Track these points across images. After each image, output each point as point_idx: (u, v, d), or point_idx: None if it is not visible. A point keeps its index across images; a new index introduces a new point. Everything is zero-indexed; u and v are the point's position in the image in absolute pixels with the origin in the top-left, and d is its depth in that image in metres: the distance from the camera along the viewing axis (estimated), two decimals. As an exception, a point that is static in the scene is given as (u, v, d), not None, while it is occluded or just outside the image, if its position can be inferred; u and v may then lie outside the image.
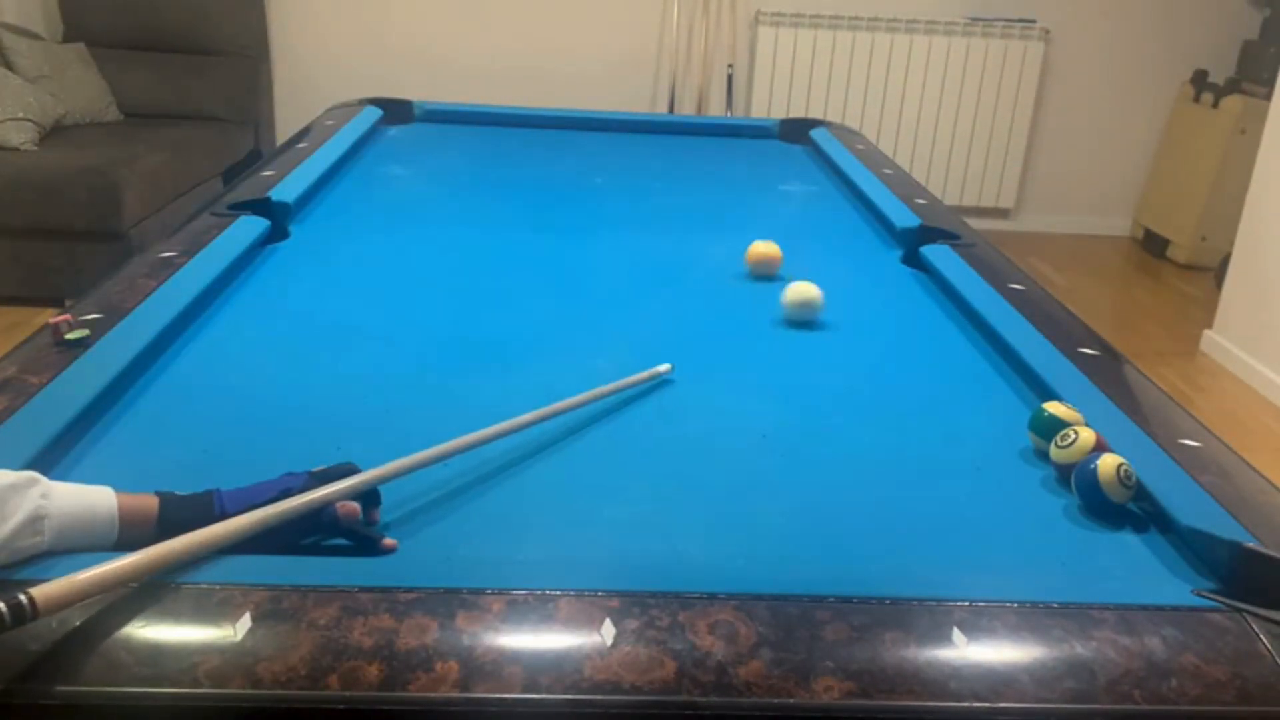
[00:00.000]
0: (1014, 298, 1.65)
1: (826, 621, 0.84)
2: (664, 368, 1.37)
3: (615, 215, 2.21)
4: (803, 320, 1.60)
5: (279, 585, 0.84)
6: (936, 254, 1.87)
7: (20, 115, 3.66)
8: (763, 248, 1.80)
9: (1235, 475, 1.12)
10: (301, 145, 2.43)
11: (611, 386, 1.29)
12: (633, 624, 0.82)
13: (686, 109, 4.84)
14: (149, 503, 0.92)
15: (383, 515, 1.01)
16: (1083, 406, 1.26)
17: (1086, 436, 1.14)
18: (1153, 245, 5.03)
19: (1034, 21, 4.83)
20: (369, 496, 0.99)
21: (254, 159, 4.45)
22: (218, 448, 1.14)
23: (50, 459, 1.05)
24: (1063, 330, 1.53)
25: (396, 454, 1.03)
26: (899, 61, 4.83)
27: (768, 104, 4.84)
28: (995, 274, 1.77)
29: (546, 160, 2.66)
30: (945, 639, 0.83)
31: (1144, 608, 0.88)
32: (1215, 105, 4.67)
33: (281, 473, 0.98)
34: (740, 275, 1.83)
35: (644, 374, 1.34)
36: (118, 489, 0.92)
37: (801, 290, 1.59)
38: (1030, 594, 0.89)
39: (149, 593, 0.82)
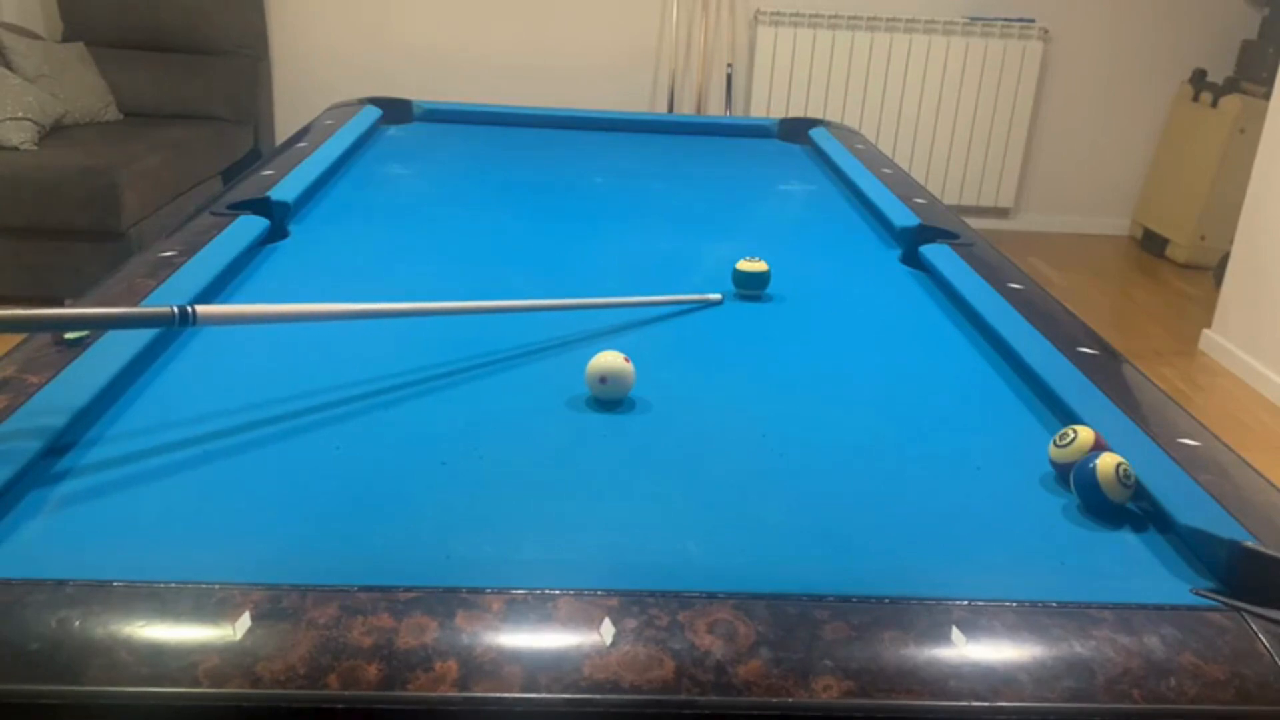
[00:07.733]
0: (1013, 297, 1.65)
1: (825, 620, 0.84)
2: (714, 296, 1.55)
3: (615, 214, 2.21)
4: (609, 396, 1.29)
5: (279, 585, 0.84)
6: (936, 253, 1.87)
7: (20, 115, 3.66)
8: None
9: (1234, 474, 1.12)
10: (301, 145, 2.43)
11: (658, 299, 1.38)
12: (632, 623, 0.82)
13: (686, 108, 4.84)
14: None
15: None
16: (1082, 406, 1.26)
17: (1085, 435, 1.14)
18: (1152, 245, 5.04)
19: (1033, 21, 4.84)
20: None
21: (253, 158, 4.45)
22: (217, 444, 1.14)
23: (49, 459, 1.06)
24: (1062, 329, 1.54)
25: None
26: (898, 61, 4.83)
27: (767, 103, 4.85)
28: (994, 273, 1.77)
29: (546, 160, 2.65)
30: (944, 638, 0.83)
31: (1143, 607, 0.88)
32: (1214, 105, 4.67)
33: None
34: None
35: (693, 296, 1.48)
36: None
37: (604, 363, 1.28)
38: (1029, 593, 0.89)
39: (149, 593, 0.82)
